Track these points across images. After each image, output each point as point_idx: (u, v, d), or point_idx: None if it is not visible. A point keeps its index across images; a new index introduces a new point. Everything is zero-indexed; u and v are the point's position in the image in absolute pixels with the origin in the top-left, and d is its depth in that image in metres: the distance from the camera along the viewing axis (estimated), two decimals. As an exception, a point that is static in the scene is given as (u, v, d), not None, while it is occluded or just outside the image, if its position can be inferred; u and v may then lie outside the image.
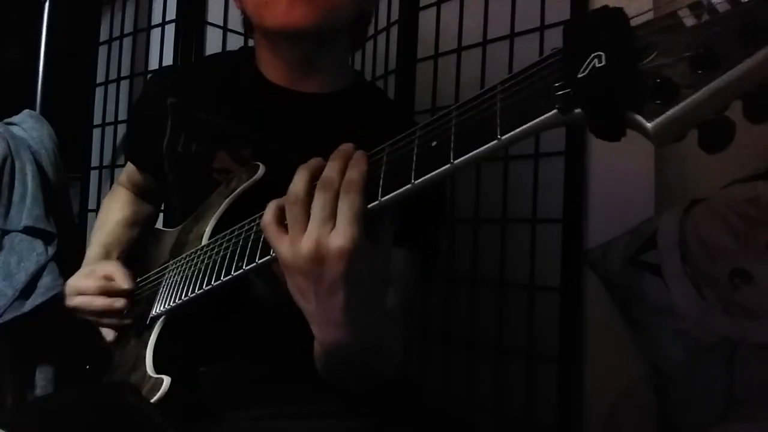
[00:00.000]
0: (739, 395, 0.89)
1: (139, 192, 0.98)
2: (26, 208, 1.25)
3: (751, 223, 0.91)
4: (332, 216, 0.46)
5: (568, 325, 1.10)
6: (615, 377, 1.07)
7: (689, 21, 0.33)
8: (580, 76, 0.34)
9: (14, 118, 1.38)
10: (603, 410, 1.07)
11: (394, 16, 1.40)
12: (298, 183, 0.49)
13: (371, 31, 1.47)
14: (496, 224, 1.23)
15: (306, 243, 0.46)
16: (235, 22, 1.53)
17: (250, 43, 0.89)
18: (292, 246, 0.47)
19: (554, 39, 1.14)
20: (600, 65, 0.34)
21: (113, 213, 0.96)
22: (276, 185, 0.52)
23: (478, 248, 1.26)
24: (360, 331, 0.51)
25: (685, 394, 0.95)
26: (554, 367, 1.10)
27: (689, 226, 0.97)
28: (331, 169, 0.48)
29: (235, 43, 1.55)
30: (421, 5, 1.36)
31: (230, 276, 0.59)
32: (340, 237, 0.45)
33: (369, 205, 0.46)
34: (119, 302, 0.79)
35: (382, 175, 0.46)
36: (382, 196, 0.46)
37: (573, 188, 1.10)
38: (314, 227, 0.46)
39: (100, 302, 0.79)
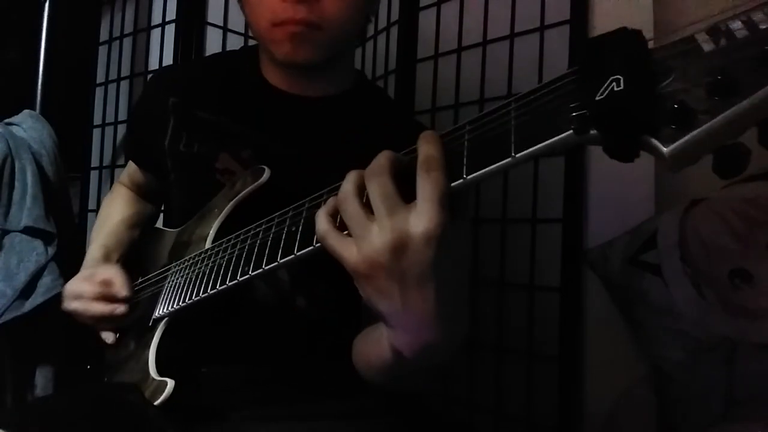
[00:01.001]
0: (739, 395, 0.89)
1: (141, 192, 0.98)
2: (26, 208, 1.25)
3: (751, 223, 0.91)
4: (399, 200, 0.42)
5: (568, 325, 1.10)
6: (615, 377, 1.07)
7: (707, 46, 0.33)
8: (598, 98, 0.34)
9: (14, 118, 1.38)
10: (603, 410, 1.07)
11: (394, 16, 1.40)
12: (347, 182, 0.45)
13: (371, 31, 1.47)
14: (496, 224, 1.23)
15: (380, 235, 0.41)
16: (235, 22, 1.54)
17: (250, 42, 0.88)
18: (362, 245, 0.43)
19: (554, 39, 1.14)
20: (618, 89, 0.34)
21: (114, 213, 0.95)
22: (280, 189, 0.51)
23: (478, 248, 1.26)
24: (452, 328, 0.46)
25: (685, 394, 0.95)
26: (554, 367, 1.10)
27: (689, 226, 0.97)
28: (380, 157, 0.44)
29: (235, 43, 1.55)
30: (421, 5, 1.36)
31: (236, 281, 0.59)
32: (424, 220, 0.40)
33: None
34: (119, 309, 0.78)
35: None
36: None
37: (573, 188, 1.10)
38: (383, 216, 0.41)
39: (99, 308, 0.79)
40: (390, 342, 0.49)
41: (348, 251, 0.44)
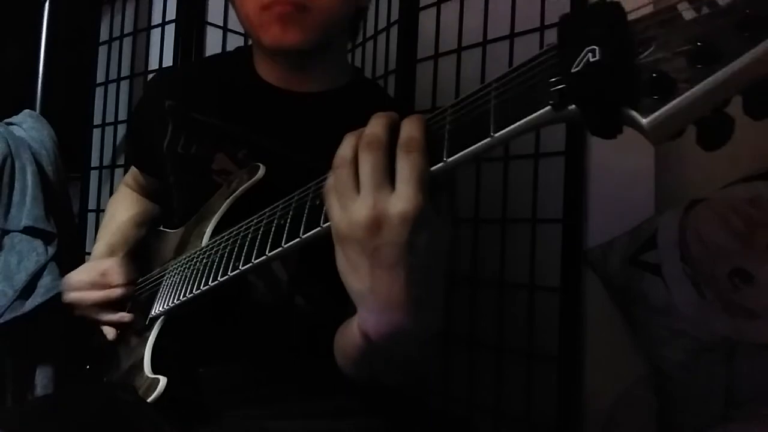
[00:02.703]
0: (739, 395, 0.89)
1: (144, 192, 0.98)
2: (26, 208, 1.25)
3: (751, 223, 0.91)
4: (386, 178, 0.41)
5: (568, 325, 1.09)
6: (615, 377, 1.07)
7: (688, 14, 0.32)
8: (573, 70, 0.34)
9: (14, 118, 1.38)
10: (603, 410, 1.07)
11: (394, 16, 1.40)
12: (346, 146, 0.44)
13: (371, 31, 1.47)
14: (496, 224, 1.23)
15: (360, 209, 0.41)
16: (235, 22, 1.52)
17: (250, 42, 0.89)
18: (344, 212, 0.42)
19: (554, 39, 1.14)
20: (594, 59, 0.33)
21: (120, 212, 0.96)
22: (276, 186, 0.52)
23: (478, 248, 1.26)
24: (421, 315, 0.45)
25: (685, 394, 0.95)
26: (554, 367, 1.10)
27: (689, 226, 0.97)
28: (375, 126, 0.44)
29: (235, 43, 1.55)
30: (421, 5, 1.36)
31: (227, 276, 0.59)
32: (401, 201, 0.40)
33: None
34: (115, 292, 0.79)
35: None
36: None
37: (573, 188, 1.10)
38: (368, 191, 0.41)
39: (95, 295, 0.80)
40: (359, 326, 0.48)
41: (334, 213, 0.44)
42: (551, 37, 1.21)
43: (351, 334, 0.54)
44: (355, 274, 0.44)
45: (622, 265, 1.04)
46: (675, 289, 0.97)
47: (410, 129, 0.42)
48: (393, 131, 0.44)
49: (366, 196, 0.41)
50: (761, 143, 0.87)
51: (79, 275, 0.83)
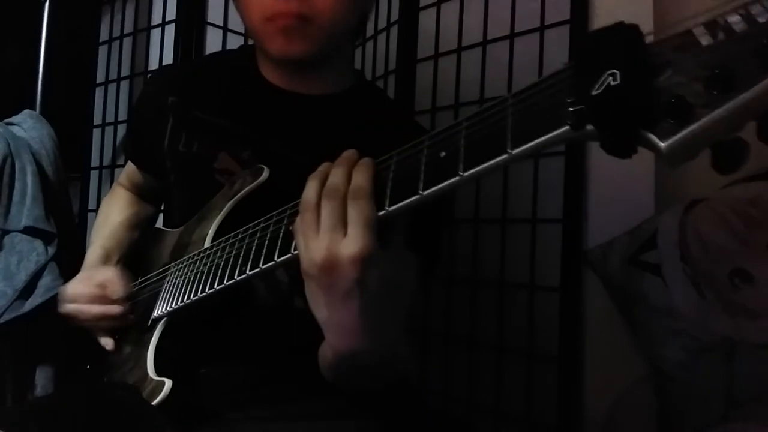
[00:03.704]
0: (739, 395, 0.89)
1: (140, 192, 0.98)
2: (26, 208, 1.25)
3: (751, 223, 0.91)
4: (341, 223, 0.46)
5: (568, 325, 1.09)
6: (615, 377, 1.07)
7: (705, 40, 0.32)
8: (594, 93, 0.34)
9: (14, 118, 1.38)
10: (603, 410, 1.07)
11: (394, 16, 1.40)
12: (310, 190, 0.49)
13: (371, 31, 1.47)
14: (496, 224, 1.23)
15: (317, 251, 0.46)
16: (235, 22, 1.53)
17: (250, 42, 0.88)
18: (307, 251, 0.48)
19: (554, 39, 1.14)
20: (615, 83, 0.33)
21: (114, 214, 0.95)
22: (279, 188, 0.52)
23: (478, 248, 1.26)
24: (375, 339, 0.51)
25: (685, 394, 0.95)
26: (554, 367, 1.10)
27: (689, 226, 0.97)
28: (335, 176, 0.48)
29: (235, 43, 1.55)
30: (421, 5, 1.36)
31: (233, 280, 0.59)
32: (351, 244, 0.45)
33: (378, 213, 0.46)
34: (114, 309, 0.78)
35: (389, 184, 0.46)
36: (390, 206, 0.45)
37: (573, 188, 1.10)
38: (324, 235, 0.46)
39: (95, 310, 0.79)
40: (327, 343, 0.54)
41: (301, 252, 0.49)
42: (551, 37, 1.22)
43: (325, 347, 0.59)
44: (316, 304, 0.50)
45: (622, 265, 1.04)
46: (675, 289, 0.97)
47: (358, 178, 0.47)
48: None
49: (323, 238, 0.46)
50: (761, 143, 0.87)
51: (76, 287, 0.81)
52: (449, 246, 1.29)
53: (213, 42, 1.54)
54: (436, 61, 1.33)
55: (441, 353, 1.31)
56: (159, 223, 1.02)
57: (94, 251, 0.89)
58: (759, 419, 0.87)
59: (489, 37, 1.24)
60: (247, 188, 0.72)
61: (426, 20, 1.35)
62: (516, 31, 1.20)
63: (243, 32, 1.55)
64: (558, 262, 1.11)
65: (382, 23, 1.45)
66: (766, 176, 0.92)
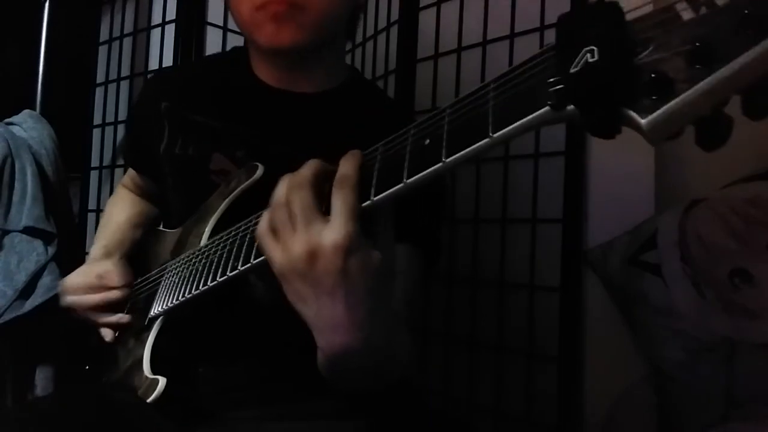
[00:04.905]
0: (739, 395, 0.89)
1: (142, 193, 0.98)
2: (26, 208, 1.25)
3: (751, 223, 0.91)
4: (316, 212, 0.45)
5: (568, 325, 1.09)
6: (615, 377, 1.07)
7: (686, 15, 0.32)
8: (572, 71, 0.34)
9: (14, 118, 1.38)
10: (603, 410, 1.07)
11: (394, 16, 1.40)
12: (279, 189, 0.48)
13: (371, 31, 1.47)
14: (496, 224, 1.23)
15: (297, 243, 0.45)
16: (235, 22, 1.54)
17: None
18: (284, 249, 0.46)
19: (554, 39, 1.14)
20: (592, 60, 0.33)
21: (117, 213, 0.96)
22: (274, 185, 0.52)
23: (478, 248, 1.26)
24: (366, 334, 0.49)
25: (685, 394, 0.95)
26: (554, 367, 1.10)
27: (689, 226, 0.97)
28: (305, 169, 0.48)
29: (235, 43, 1.54)
30: (421, 5, 1.36)
31: (226, 276, 0.59)
32: (333, 232, 0.44)
33: (362, 204, 0.46)
34: (113, 294, 0.79)
35: (375, 174, 0.46)
36: (374, 196, 0.45)
37: (573, 188, 1.10)
38: (302, 228, 0.45)
39: (93, 299, 0.80)
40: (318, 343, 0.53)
41: (275, 254, 0.48)
42: (551, 37, 1.21)
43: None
44: (302, 303, 0.48)
45: (622, 265, 1.04)
46: (675, 289, 0.97)
47: (345, 166, 0.47)
48: (327, 173, 0.48)
49: (301, 231, 0.45)
50: (761, 143, 0.87)
51: (75, 278, 0.83)
52: (449, 246, 1.29)
53: (213, 42, 1.54)
54: (436, 61, 1.33)
55: (441, 353, 1.31)
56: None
57: (95, 250, 0.91)
58: (759, 419, 0.87)
59: (489, 37, 1.24)
60: (242, 186, 0.72)
61: (426, 20, 1.35)
62: (516, 31, 1.20)
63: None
64: (558, 262, 1.11)
65: (382, 23, 1.45)
66: (766, 176, 0.92)
